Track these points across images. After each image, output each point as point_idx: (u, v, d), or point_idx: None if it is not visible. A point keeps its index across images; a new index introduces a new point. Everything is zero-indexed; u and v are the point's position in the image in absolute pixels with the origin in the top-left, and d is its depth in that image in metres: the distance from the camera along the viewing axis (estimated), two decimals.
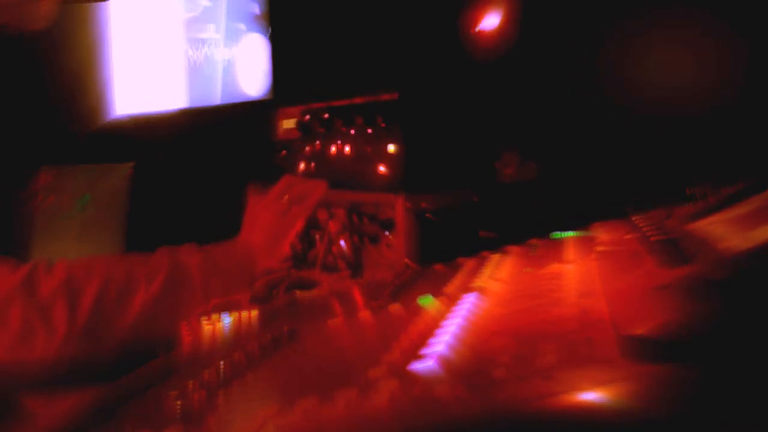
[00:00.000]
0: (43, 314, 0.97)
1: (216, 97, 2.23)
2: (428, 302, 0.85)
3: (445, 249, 1.25)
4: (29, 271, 0.99)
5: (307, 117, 1.68)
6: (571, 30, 1.81)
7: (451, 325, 0.68)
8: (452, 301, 0.81)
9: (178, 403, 0.62)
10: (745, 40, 1.52)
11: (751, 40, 1.52)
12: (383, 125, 1.52)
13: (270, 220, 1.23)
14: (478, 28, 1.85)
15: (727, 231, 0.74)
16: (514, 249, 1.11)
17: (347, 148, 1.44)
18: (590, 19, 1.78)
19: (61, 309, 0.98)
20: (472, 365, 0.53)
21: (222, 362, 0.72)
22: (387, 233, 1.47)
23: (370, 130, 1.48)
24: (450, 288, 0.90)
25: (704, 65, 1.60)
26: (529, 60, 1.86)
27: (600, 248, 0.88)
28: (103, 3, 1.77)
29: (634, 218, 0.94)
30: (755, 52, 1.53)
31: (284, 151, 1.72)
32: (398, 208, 1.47)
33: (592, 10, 1.76)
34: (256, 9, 2.36)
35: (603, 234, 1.00)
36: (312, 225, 1.51)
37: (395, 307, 0.87)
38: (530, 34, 1.83)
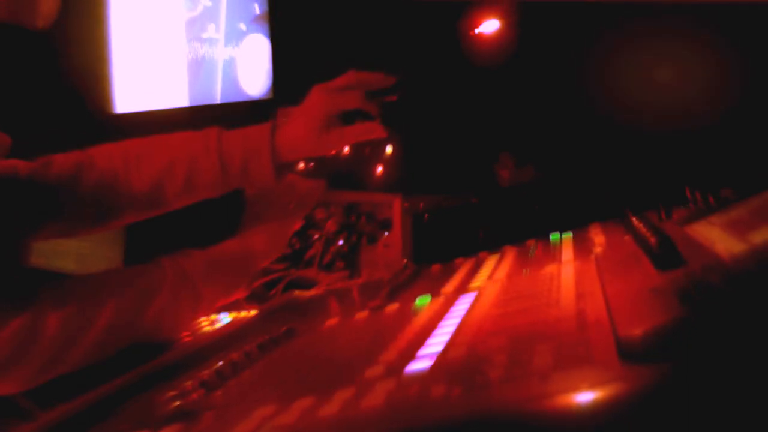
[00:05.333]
0: (54, 357, 0.97)
1: (216, 96, 2.23)
2: (425, 302, 0.85)
3: (443, 249, 1.25)
4: (33, 313, 0.97)
5: None
6: (571, 35, 1.81)
7: (448, 326, 0.68)
8: (449, 301, 0.81)
9: (177, 402, 0.62)
10: (747, 47, 1.52)
11: (752, 47, 1.52)
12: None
13: (270, 220, 1.23)
14: (477, 32, 1.85)
15: (725, 233, 0.74)
16: (511, 250, 1.11)
17: (346, 148, 1.43)
18: (588, 25, 1.78)
19: (68, 347, 0.98)
20: (469, 366, 0.53)
21: (220, 362, 0.72)
22: (385, 233, 1.47)
23: None
24: (447, 288, 0.90)
25: (705, 69, 1.60)
26: (528, 63, 1.86)
27: (598, 249, 0.88)
28: (104, 2, 1.77)
29: (632, 219, 0.94)
30: (756, 58, 1.53)
31: None
32: (396, 208, 1.47)
33: (586, 19, 1.76)
34: (257, 9, 2.36)
35: (601, 235, 1.00)
36: (310, 224, 1.51)
37: (392, 307, 0.87)
38: (529, 39, 1.83)
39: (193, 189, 1.16)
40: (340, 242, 1.48)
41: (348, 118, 1.17)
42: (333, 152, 1.20)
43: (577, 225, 1.12)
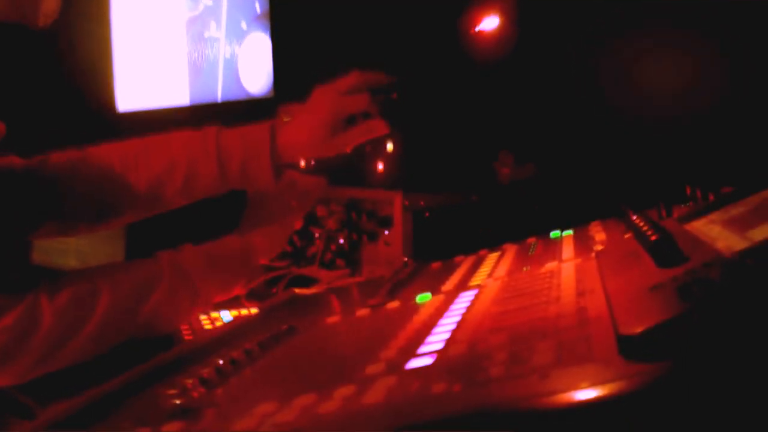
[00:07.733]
0: (50, 350, 0.97)
1: (217, 94, 2.23)
2: (426, 300, 0.85)
3: (443, 247, 1.25)
4: (29, 305, 0.97)
5: None
6: (570, 33, 1.81)
7: (448, 323, 0.68)
8: (450, 298, 0.81)
9: (178, 400, 0.62)
10: (747, 45, 1.52)
11: (752, 45, 1.52)
12: None
13: (270, 217, 1.23)
14: (477, 30, 1.85)
15: (725, 230, 0.74)
16: (512, 247, 1.11)
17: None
18: (587, 23, 1.78)
19: (64, 340, 0.98)
20: (469, 363, 0.53)
21: (221, 360, 0.72)
22: (385, 231, 1.47)
23: None
24: (448, 286, 0.90)
25: (702, 67, 1.60)
26: (528, 60, 1.86)
27: (598, 247, 0.88)
28: (107, 1, 1.77)
29: (632, 217, 0.94)
30: (756, 56, 1.53)
31: None
32: (396, 205, 1.47)
33: (585, 17, 1.76)
34: (258, 8, 2.36)
35: (601, 233, 1.00)
36: (311, 222, 1.51)
37: (393, 305, 0.87)
38: (529, 37, 1.83)
39: (192, 190, 1.16)
40: (341, 240, 1.48)
41: (350, 117, 1.16)
42: (336, 154, 1.19)
43: (578, 222, 1.12)
